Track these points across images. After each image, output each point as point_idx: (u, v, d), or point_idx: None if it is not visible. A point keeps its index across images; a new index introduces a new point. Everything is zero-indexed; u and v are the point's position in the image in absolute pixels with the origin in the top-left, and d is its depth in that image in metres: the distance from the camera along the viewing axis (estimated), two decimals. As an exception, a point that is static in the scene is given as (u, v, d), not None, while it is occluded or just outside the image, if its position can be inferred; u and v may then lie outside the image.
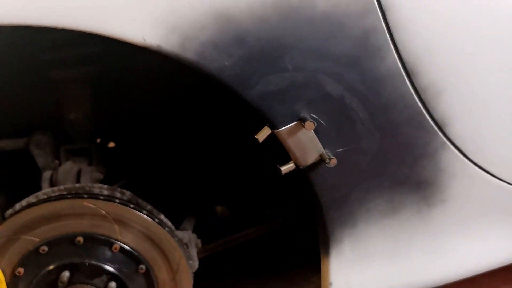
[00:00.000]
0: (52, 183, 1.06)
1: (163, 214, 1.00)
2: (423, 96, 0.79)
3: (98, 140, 1.34)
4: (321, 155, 0.79)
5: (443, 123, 0.82)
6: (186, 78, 1.02)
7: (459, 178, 0.88)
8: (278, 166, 0.81)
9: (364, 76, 0.75)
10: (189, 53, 0.68)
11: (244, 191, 1.37)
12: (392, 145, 0.82)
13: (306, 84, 0.74)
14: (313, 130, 0.77)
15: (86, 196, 0.95)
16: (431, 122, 0.81)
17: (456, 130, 0.84)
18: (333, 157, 0.78)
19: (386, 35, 0.74)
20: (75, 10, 0.66)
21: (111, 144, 1.41)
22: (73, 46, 0.99)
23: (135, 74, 1.07)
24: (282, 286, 1.48)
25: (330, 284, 0.91)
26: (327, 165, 0.78)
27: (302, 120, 0.76)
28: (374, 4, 0.72)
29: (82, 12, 0.65)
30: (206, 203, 1.38)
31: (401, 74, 0.77)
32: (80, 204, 0.93)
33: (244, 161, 1.31)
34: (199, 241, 1.13)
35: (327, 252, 0.89)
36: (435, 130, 0.82)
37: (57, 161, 1.11)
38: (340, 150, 0.80)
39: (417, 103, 0.79)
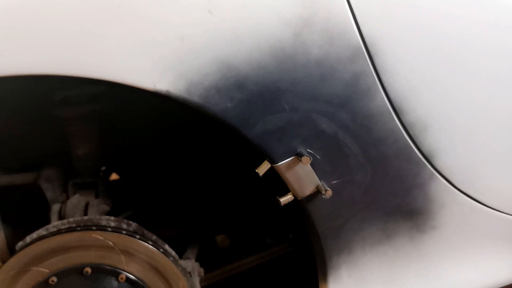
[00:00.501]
0: (61, 216, 1.10)
1: (167, 244, 1.04)
2: (410, 132, 0.84)
3: (102, 172, 1.38)
4: (317, 187, 0.84)
5: (431, 155, 0.88)
6: (181, 115, 1.07)
7: (449, 206, 0.93)
8: (277, 197, 0.85)
9: (355, 114, 0.81)
10: (195, 97, 0.74)
11: (244, 220, 1.40)
12: (383, 177, 0.87)
13: (302, 123, 0.80)
14: (310, 164, 0.82)
15: (94, 228, 0.98)
16: (419, 155, 0.87)
17: (443, 161, 0.89)
18: (328, 188, 0.83)
19: (375, 78, 0.80)
20: (89, 60, 0.71)
21: (115, 176, 1.45)
22: (82, 85, 1.04)
23: (140, 112, 1.12)
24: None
25: (329, 310, 0.95)
26: (323, 196, 0.83)
27: (299, 155, 0.81)
28: (363, 50, 0.79)
29: (95, 62, 0.71)
30: (207, 232, 1.40)
31: (390, 112, 0.83)
32: (89, 236, 0.96)
33: (245, 191, 1.35)
34: (201, 269, 1.15)
35: (325, 278, 0.93)
36: (424, 162, 0.87)
37: (65, 195, 1.15)
38: (335, 182, 0.85)
39: (405, 138, 0.84)
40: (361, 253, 0.93)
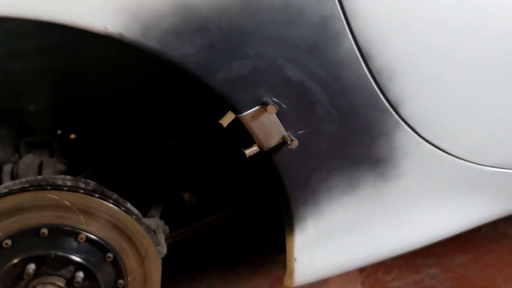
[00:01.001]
0: (13, 177, 1.04)
1: (130, 202, 1.01)
2: (378, 79, 0.83)
3: (59, 132, 1.31)
4: (283, 137, 0.82)
5: (397, 103, 0.87)
6: (148, 66, 1.02)
7: (412, 154, 0.93)
8: (242, 149, 0.83)
9: (323, 61, 0.78)
10: (152, 42, 0.69)
11: (210, 177, 1.38)
12: (350, 126, 0.86)
13: (268, 69, 0.76)
14: (275, 114, 0.79)
15: (49, 187, 0.93)
16: (386, 103, 0.86)
17: (409, 110, 0.88)
18: (294, 139, 0.81)
19: (343, 22, 0.77)
20: (32, -1, 0.64)
21: (72, 136, 1.38)
22: (30, 36, 0.96)
23: (95, 64, 1.05)
24: (251, 268, 1.52)
25: (295, 259, 0.95)
26: (289, 146, 0.81)
27: (264, 105, 0.78)
28: (331, -8, 0.75)
29: (40, 1, 0.64)
30: (173, 190, 1.38)
31: (357, 58, 0.80)
32: (43, 195, 0.92)
33: (209, 146, 1.32)
34: (166, 227, 1.14)
35: (291, 230, 0.93)
36: (390, 111, 0.86)
37: (17, 155, 1.08)
38: (301, 132, 0.83)
39: (372, 86, 0.83)
40: (327, 203, 0.93)
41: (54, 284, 0.93)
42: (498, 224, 1.65)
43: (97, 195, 0.96)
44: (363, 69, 0.81)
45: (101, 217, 0.95)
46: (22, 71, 1.01)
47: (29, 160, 1.06)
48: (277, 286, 1.44)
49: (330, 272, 1.02)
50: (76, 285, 0.93)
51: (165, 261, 1.07)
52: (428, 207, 1.04)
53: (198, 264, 1.53)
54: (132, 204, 1.01)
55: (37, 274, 0.92)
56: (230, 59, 0.74)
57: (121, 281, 0.98)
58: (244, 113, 0.78)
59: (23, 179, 0.95)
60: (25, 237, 0.91)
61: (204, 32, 0.71)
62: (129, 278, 0.98)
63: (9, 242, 0.90)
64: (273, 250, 1.52)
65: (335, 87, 0.81)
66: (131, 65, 1.03)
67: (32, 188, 0.93)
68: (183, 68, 0.72)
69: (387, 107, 0.86)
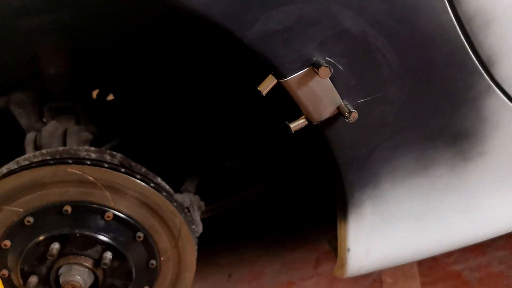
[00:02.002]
0: (36, 146, 0.97)
1: (162, 176, 0.91)
2: (467, 28, 0.64)
3: (95, 94, 1.24)
4: (339, 108, 0.66)
5: (490, 61, 0.68)
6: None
7: (504, 127, 0.76)
8: (286, 122, 0.68)
9: (392, 5, 0.61)
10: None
11: (253, 149, 1.26)
12: (425, 92, 0.69)
13: (319, 19, 0.60)
14: (329, 78, 0.63)
15: (70, 161, 0.86)
16: (475, 61, 0.67)
17: (505, 70, 0.70)
18: (353, 109, 0.65)
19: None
20: None
21: (110, 97, 1.30)
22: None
23: (113, 17, 0.92)
24: (297, 241, 1.43)
25: (348, 250, 0.83)
26: (346, 119, 0.65)
27: (315, 66, 0.62)
28: None
29: None
30: (214, 159, 1.28)
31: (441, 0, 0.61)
32: (64, 170, 0.85)
33: (251, 117, 1.19)
34: (202, 203, 1.06)
35: (345, 216, 0.80)
36: (480, 71, 0.68)
37: (42, 122, 1.01)
38: (361, 101, 0.67)
39: (459, 37, 0.64)
40: (390, 186, 0.78)
41: (80, 264, 0.87)
42: None
43: (123, 170, 0.88)
44: (449, 14, 0.63)
45: (128, 194, 0.88)
46: (36, 28, 0.93)
47: (52, 127, 0.99)
48: (324, 261, 1.35)
49: (389, 264, 0.89)
50: (104, 266, 0.87)
51: (206, 231, 0.98)
52: (515, 190, 0.86)
53: (242, 235, 1.48)
54: (165, 177, 0.92)
55: (62, 253, 0.87)
56: (269, 6, 0.58)
57: (153, 262, 0.92)
58: (289, 77, 0.63)
59: (44, 151, 0.89)
60: (47, 214, 0.86)
61: (234, -30, 0.55)
62: (162, 259, 0.92)
63: (31, 219, 0.85)
64: (324, 223, 1.42)
65: (408, 41, 0.64)
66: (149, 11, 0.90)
67: (52, 162, 0.86)
68: (210, 21, 0.56)
69: (477, 66, 0.68)
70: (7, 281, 0.89)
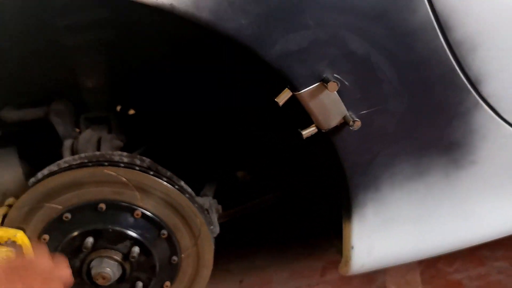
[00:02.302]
0: (73, 151, 1.06)
1: (184, 180, 1.00)
2: (457, 52, 0.74)
3: (118, 108, 1.33)
4: (344, 118, 0.76)
5: (477, 80, 0.77)
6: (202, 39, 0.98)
7: (492, 138, 0.84)
8: (299, 130, 0.77)
9: (393, 31, 0.70)
10: (204, 13, 0.64)
11: (265, 157, 1.34)
12: (421, 106, 0.78)
13: (329, 41, 0.70)
14: (337, 92, 0.73)
15: (106, 164, 0.95)
16: (464, 80, 0.76)
17: (491, 88, 0.79)
18: (357, 119, 0.74)
19: (418, -15, 0.68)
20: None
21: (131, 111, 1.40)
22: (84, 10, 0.97)
23: (149, 39, 1.03)
24: (305, 250, 1.49)
25: (352, 247, 0.90)
26: (351, 128, 0.75)
27: (324, 81, 0.72)
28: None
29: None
30: (227, 168, 1.36)
31: (434, 27, 0.71)
32: (101, 171, 0.93)
33: (266, 125, 1.28)
34: (219, 206, 1.13)
35: (349, 216, 0.88)
36: (468, 88, 0.77)
37: (77, 130, 1.11)
38: (365, 112, 0.76)
39: (450, 59, 0.74)
40: (390, 190, 0.86)
41: (111, 257, 0.94)
42: None
43: (151, 173, 0.96)
44: (440, 41, 0.73)
45: (155, 194, 0.95)
46: (77, 45, 1.02)
47: (88, 135, 1.08)
48: (329, 270, 1.40)
49: (389, 262, 0.96)
50: (132, 259, 0.94)
51: (218, 237, 1.05)
52: (504, 197, 0.94)
53: (252, 242, 1.53)
54: (186, 182, 1.00)
55: (95, 247, 0.94)
56: (287, 31, 0.68)
57: (175, 258, 0.98)
58: (302, 91, 0.73)
59: (82, 155, 0.97)
60: (84, 211, 0.94)
61: (259, 0, 0.65)
62: (183, 255, 0.99)
63: (69, 215, 0.93)
64: (329, 233, 1.48)
65: (406, 61, 0.73)
66: (181, 36, 1.00)
67: (90, 164, 0.95)
68: (237, 41, 0.67)
69: (466, 85, 0.77)
70: (42, 274, 0.97)
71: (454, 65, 0.75)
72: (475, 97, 0.79)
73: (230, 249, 1.42)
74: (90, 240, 0.93)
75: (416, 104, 0.77)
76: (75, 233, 0.93)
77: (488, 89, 0.79)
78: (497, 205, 0.94)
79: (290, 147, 1.23)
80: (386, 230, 0.89)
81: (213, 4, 0.65)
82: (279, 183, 1.36)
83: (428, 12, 0.70)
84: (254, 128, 1.26)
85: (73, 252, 0.94)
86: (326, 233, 1.50)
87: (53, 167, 0.97)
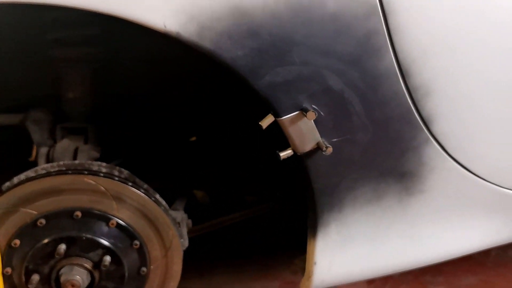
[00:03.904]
0: (49, 159, 1.08)
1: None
2: (413, 95, 0.86)
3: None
4: (318, 144, 0.85)
5: (429, 120, 0.90)
6: (184, 65, 1.05)
7: (439, 171, 0.96)
8: (277, 152, 0.86)
9: (364, 73, 0.81)
10: (206, 42, 0.72)
11: (226, 177, 1.41)
12: (382, 138, 0.89)
13: (311, 77, 0.80)
14: (313, 120, 0.82)
15: (86, 172, 0.97)
16: (418, 119, 0.88)
17: (440, 127, 0.91)
18: (329, 146, 0.84)
19: (386, 37, 0.80)
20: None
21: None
22: (76, 26, 1.00)
23: (135, 57, 1.09)
24: (261, 270, 1.53)
25: (315, 263, 0.97)
26: (323, 153, 0.84)
27: (304, 110, 0.82)
28: (378, 7, 0.78)
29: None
30: (187, 186, 1.40)
31: (396, 74, 0.83)
32: (81, 179, 0.95)
33: (229, 147, 1.35)
34: (189, 221, 1.16)
35: (314, 234, 0.95)
36: (421, 127, 0.89)
37: (52, 140, 1.12)
38: (336, 140, 0.86)
39: (407, 101, 0.86)
40: (351, 211, 0.95)
41: (81, 265, 0.96)
42: (509, 248, 1.66)
43: (130, 183, 0.99)
44: (401, 85, 0.84)
45: (132, 205, 0.98)
46: (65, 59, 1.05)
47: (65, 144, 1.09)
48: (285, 289, 1.45)
49: (346, 279, 1.04)
50: (103, 268, 0.96)
51: (185, 254, 1.09)
52: (447, 224, 1.05)
53: (209, 262, 1.55)
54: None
55: (67, 254, 0.95)
56: (276, 65, 0.77)
57: (144, 269, 1.00)
58: (284, 117, 0.82)
59: (61, 162, 0.99)
60: (59, 218, 0.95)
61: (255, 36, 0.75)
62: (152, 267, 1.01)
63: (43, 221, 0.94)
64: (285, 253, 1.55)
65: (372, 100, 0.84)
66: (169, 63, 1.06)
67: (69, 172, 0.97)
68: (232, 70, 0.76)
69: (419, 123, 0.89)
70: (8, 279, 0.94)
71: (410, 106, 0.86)
72: (426, 134, 0.90)
73: (187, 268, 1.45)
74: (63, 246, 0.94)
75: (378, 136, 0.88)
76: (48, 239, 0.94)
77: (437, 128, 0.91)
78: (440, 231, 1.05)
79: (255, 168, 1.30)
80: (346, 249, 0.97)
81: (215, 35, 0.73)
82: (237, 204, 1.41)
83: (393, 60, 0.82)
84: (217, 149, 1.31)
85: (44, 258, 0.94)
86: (282, 254, 1.57)
87: (30, 173, 0.97)
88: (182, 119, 1.32)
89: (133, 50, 1.07)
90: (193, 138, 1.45)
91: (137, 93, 1.17)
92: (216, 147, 1.38)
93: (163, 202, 1.04)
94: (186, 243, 1.11)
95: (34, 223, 0.93)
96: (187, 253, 1.10)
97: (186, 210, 1.16)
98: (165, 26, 0.70)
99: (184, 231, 1.11)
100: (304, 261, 1.01)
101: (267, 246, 1.61)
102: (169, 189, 1.26)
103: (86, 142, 1.13)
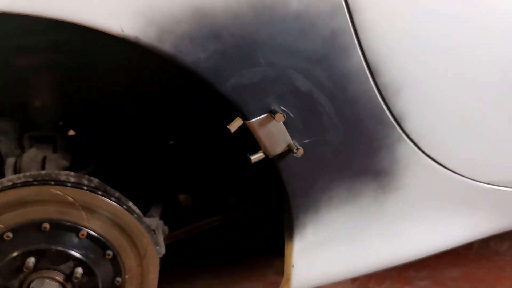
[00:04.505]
0: (16, 170, 1.04)
1: (131, 201, 1.02)
2: (383, 93, 0.85)
3: (60, 123, 1.32)
4: (289, 146, 0.83)
5: (401, 118, 0.89)
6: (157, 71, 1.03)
7: (413, 168, 0.95)
8: (248, 155, 0.84)
9: (331, 73, 0.80)
10: (166, 46, 0.70)
11: (207, 180, 1.39)
12: (354, 138, 0.88)
13: (278, 78, 0.78)
14: (283, 122, 0.81)
15: (53, 183, 0.94)
16: (390, 117, 0.87)
17: (412, 125, 0.91)
18: (300, 147, 0.83)
19: (353, 35, 0.79)
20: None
21: (71, 133, 1.39)
22: (40, 33, 0.97)
23: (102, 64, 1.06)
24: (245, 271, 1.53)
25: (293, 266, 0.96)
26: (294, 154, 0.82)
27: (272, 112, 0.80)
28: (342, 5, 0.77)
29: (60, 1, 0.65)
30: (169, 191, 1.39)
31: (365, 72, 0.82)
32: (47, 190, 0.92)
33: (208, 150, 1.33)
34: (166, 227, 1.15)
35: (291, 236, 0.94)
36: (393, 124, 0.88)
37: (20, 149, 1.09)
38: (307, 141, 0.84)
39: (378, 100, 0.85)
40: (327, 212, 0.94)
41: (52, 278, 0.93)
42: (490, 240, 1.68)
43: (100, 193, 0.96)
44: (370, 83, 0.83)
45: (103, 214, 0.96)
46: (29, 66, 1.02)
47: (32, 154, 1.06)
48: (269, 290, 1.45)
49: (326, 280, 1.04)
50: (75, 280, 0.93)
51: (162, 261, 1.07)
52: (425, 220, 1.06)
53: (192, 265, 1.54)
54: (133, 203, 1.02)
55: (36, 267, 0.92)
56: (241, 67, 0.75)
57: (118, 279, 0.98)
58: (252, 120, 0.80)
59: (27, 173, 0.95)
60: (26, 230, 0.92)
61: (217, 39, 0.72)
62: (126, 276, 0.99)
63: (10, 235, 0.91)
64: (269, 254, 1.54)
65: (341, 99, 0.83)
66: (146, 70, 1.04)
67: (35, 183, 0.94)
68: (195, 73, 0.73)
69: (391, 121, 0.88)
70: (-25, 296, 0.92)
71: (381, 104, 0.85)
72: (398, 132, 0.90)
73: (170, 272, 1.43)
74: (32, 260, 0.91)
75: (349, 136, 0.87)
76: (16, 253, 0.91)
77: (409, 126, 0.90)
78: (418, 227, 1.05)
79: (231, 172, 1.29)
80: (324, 249, 0.97)
81: (175, 39, 0.71)
82: (220, 206, 1.40)
83: (361, 58, 0.81)
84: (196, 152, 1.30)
85: (13, 273, 0.91)
86: (265, 255, 1.57)
87: (-5, 185, 0.95)
88: (159, 123, 1.29)
89: (107, 57, 1.04)
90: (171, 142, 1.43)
91: (112, 101, 1.14)
92: (196, 149, 1.36)
93: (137, 210, 1.02)
94: (162, 250, 1.09)
95: (0, 237, 0.90)
96: (168, 258, 1.08)
97: (169, 215, 1.14)
98: (122, 31, 0.67)
99: (160, 238, 1.09)
100: (283, 262, 1.00)
101: (251, 248, 1.60)
102: (147, 196, 1.24)
103: (55, 151, 1.11)
